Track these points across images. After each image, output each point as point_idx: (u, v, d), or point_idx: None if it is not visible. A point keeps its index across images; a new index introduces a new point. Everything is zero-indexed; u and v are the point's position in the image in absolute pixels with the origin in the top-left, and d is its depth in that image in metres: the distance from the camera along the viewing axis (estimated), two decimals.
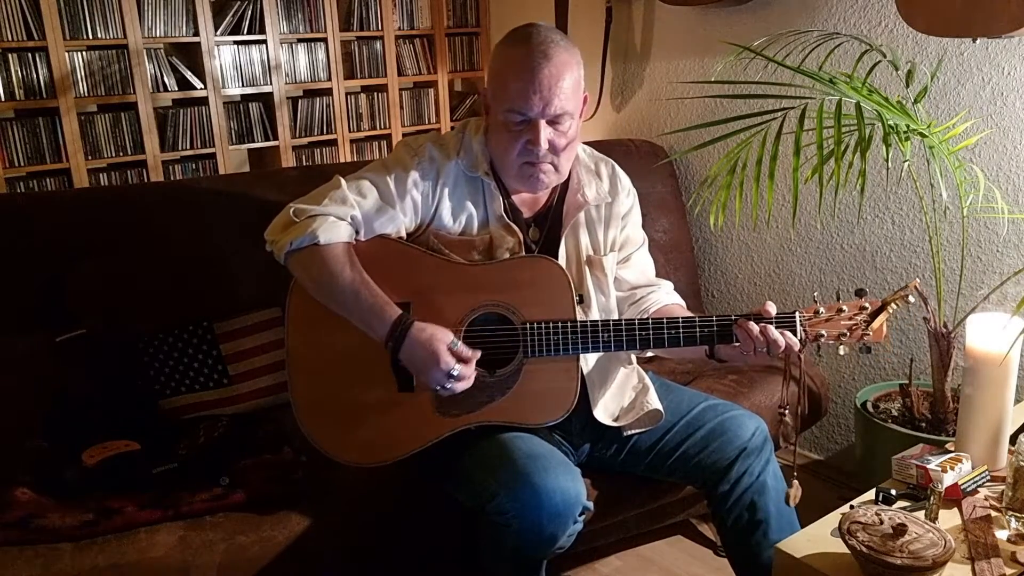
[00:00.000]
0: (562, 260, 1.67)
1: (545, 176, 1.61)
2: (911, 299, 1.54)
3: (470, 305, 1.57)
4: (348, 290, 1.52)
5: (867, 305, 1.54)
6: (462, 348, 1.51)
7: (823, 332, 1.54)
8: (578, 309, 1.59)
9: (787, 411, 1.53)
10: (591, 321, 1.58)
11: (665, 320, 1.57)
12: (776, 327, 1.52)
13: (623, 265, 1.78)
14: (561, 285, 1.58)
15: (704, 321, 1.57)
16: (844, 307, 1.55)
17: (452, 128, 1.76)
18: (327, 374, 1.59)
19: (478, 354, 1.52)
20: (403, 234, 1.63)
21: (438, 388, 1.51)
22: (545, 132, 1.54)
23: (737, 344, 1.54)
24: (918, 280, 1.62)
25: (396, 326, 1.50)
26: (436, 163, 1.63)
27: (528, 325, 1.56)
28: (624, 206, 1.77)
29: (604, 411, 1.69)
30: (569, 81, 1.55)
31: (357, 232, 1.57)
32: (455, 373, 1.48)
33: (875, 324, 1.53)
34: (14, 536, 1.46)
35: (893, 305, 1.54)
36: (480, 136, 1.66)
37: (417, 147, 1.65)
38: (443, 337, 1.50)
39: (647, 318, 1.62)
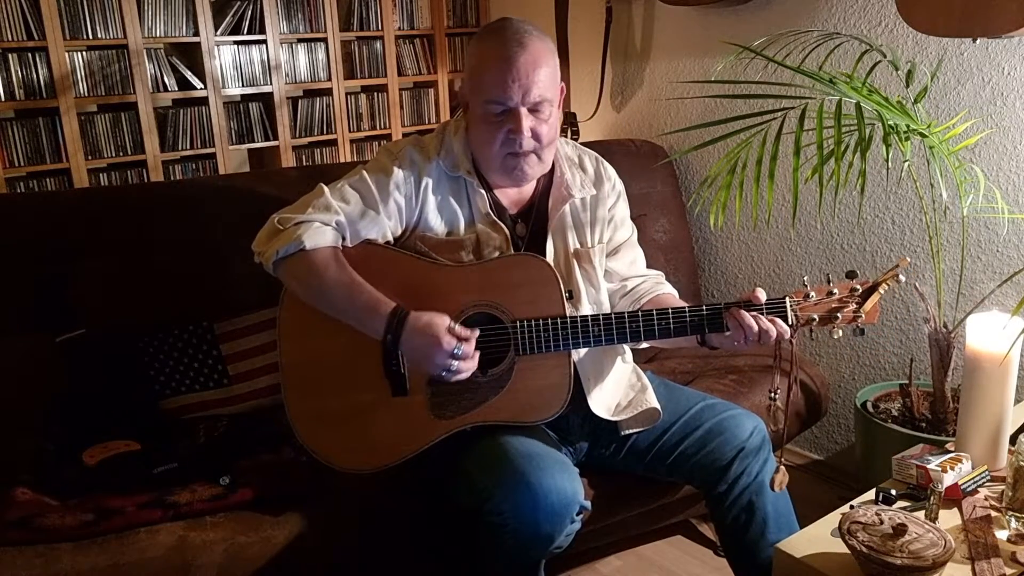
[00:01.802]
0: (549, 255, 1.67)
1: (529, 168, 1.61)
2: (902, 277, 1.53)
3: (459, 307, 1.57)
4: (340, 291, 1.52)
5: (858, 286, 1.53)
6: (461, 329, 1.50)
7: (814, 316, 1.53)
8: (568, 305, 1.59)
9: (776, 394, 1.53)
10: (581, 316, 1.58)
11: (655, 311, 1.57)
12: (767, 313, 1.51)
13: (613, 257, 1.78)
14: (549, 282, 1.58)
15: (694, 310, 1.56)
16: (835, 289, 1.53)
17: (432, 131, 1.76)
18: (321, 383, 1.59)
19: (476, 332, 1.51)
20: (389, 238, 1.63)
21: (443, 373, 1.49)
22: (527, 120, 1.55)
23: (728, 334, 1.54)
24: (908, 258, 1.61)
25: (392, 318, 1.50)
26: (417, 166, 1.63)
27: (518, 323, 1.56)
28: (610, 198, 1.77)
29: (600, 404, 1.69)
30: (546, 69, 1.56)
31: (343, 238, 1.57)
32: (458, 352, 1.48)
33: (867, 305, 1.52)
34: (14, 536, 1.46)
35: (885, 285, 1.52)
36: (460, 135, 1.66)
37: (397, 151, 1.65)
38: (441, 321, 1.49)
39: (637, 310, 1.62)
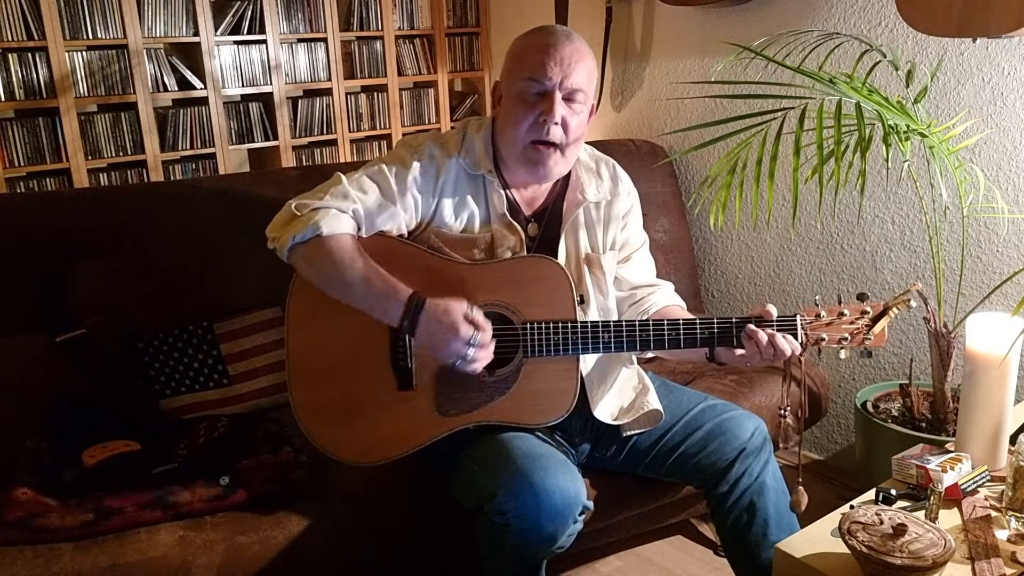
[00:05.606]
0: (561, 258, 1.67)
1: (553, 164, 1.61)
2: (913, 303, 1.53)
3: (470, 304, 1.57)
4: (357, 278, 1.50)
5: (869, 309, 1.54)
6: (478, 315, 1.49)
7: (824, 336, 1.54)
8: (578, 310, 1.59)
9: (787, 413, 1.53)
10: (591, 322, 1.58)
11: (666, 322, 1.57)
12: (777, 330, 1.51)
13: (623, 265, 1.78)
14: (562, 285, 1.58)
15: (704, 323, 1.56)
16: (846, 311, 1.54)
17: (452, 128, 1.76)
18: (327, 374, 1.59)
19: (490, 324, 1.51)
20: (404, 232, 1.63)
21: (458, 362, 1.48)
22: (560, 107, 1.56)
23: (741, 352, 1.54)
24: (919, 284, 1.62)
25: (410, 304, 1.49)
26: (436, 161, 1.63)
27: (528, 325, 1.56)
28: (624, 205, 1.77)
29: (604, 410, 1.69)
30: (586, 66, 1.58)
31: (359, 228, 1.57)
32: (475, 341, 1.47)
33: (876, 329, 1.53)
34: (14, 536, 1.46)
35: (895, 309, 1.53)
36: (483, 134, 1.67)
37: (417, 145, 1.65)
38: (458, 307, 1.48)
39: (647, 319, 1.62)
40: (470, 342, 1.46)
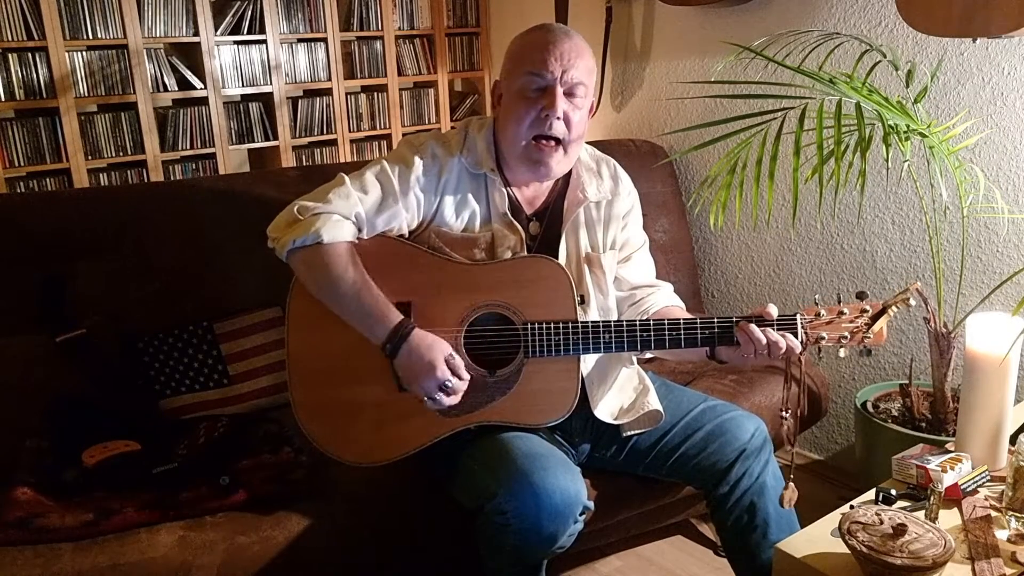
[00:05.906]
0: (562, 258, 1.67)
1: (555, 163, 1.61)
2: (912, 302, 1.54)
3: (471, 305, 1.57)
4: (350, 291, 1.52)
5: (868, 308, 1.54)
6: (459, 363, 1.52)
7: (824, 334, 1.54)
8: (579, 309, 1.59)
9: (789, 414, 1.53)
10: (592, 322, 1.58)
11: (666, 321, 1.57)
12: (777, 329, 1.52)
13: (623, 265, 1.78)
14: (563, 286, 1.58)
15: (705, 322, 1.56)
16: (845, 309, 1.55)
17: (453, 127, 1.76)
18: (327, 374, 1.59)
19: (467, 377, 1.54)
20: (405, 231, 1.63)
21: (426, 399, 1.51)
22: (561, 101, 1.56)
23: (738, 347, 1.54)
24: (919, 283, 1.62)
25: (396, 331, 1.50)
26: (439, 160, 1.63)
27: (529, 325, 1.56)
28: (624, 205, 1.77)
29: (604, 410, 1.69)
30: (586, 61, 1.59)
31: (360, 230, 1.57)
32: (449, 384, 1.49)
33: (876, 327, 1.53)
34: (14, 536, 1.46)
35: (894, 308, 1.54)
36: (484, 133, 1.67)
37: (419, 144, 1.65)
38: (443, 348, 1.51)
39: (647, 319, 1.62)
40: (443, 385, 1.49)
